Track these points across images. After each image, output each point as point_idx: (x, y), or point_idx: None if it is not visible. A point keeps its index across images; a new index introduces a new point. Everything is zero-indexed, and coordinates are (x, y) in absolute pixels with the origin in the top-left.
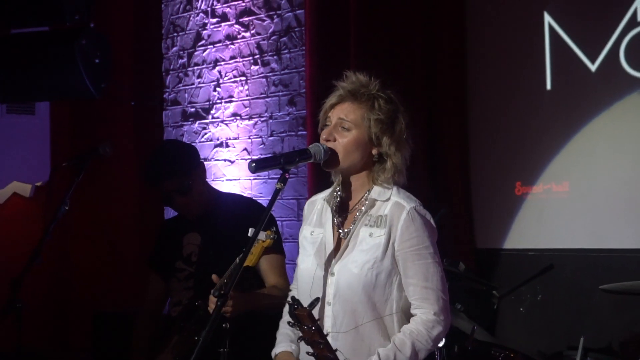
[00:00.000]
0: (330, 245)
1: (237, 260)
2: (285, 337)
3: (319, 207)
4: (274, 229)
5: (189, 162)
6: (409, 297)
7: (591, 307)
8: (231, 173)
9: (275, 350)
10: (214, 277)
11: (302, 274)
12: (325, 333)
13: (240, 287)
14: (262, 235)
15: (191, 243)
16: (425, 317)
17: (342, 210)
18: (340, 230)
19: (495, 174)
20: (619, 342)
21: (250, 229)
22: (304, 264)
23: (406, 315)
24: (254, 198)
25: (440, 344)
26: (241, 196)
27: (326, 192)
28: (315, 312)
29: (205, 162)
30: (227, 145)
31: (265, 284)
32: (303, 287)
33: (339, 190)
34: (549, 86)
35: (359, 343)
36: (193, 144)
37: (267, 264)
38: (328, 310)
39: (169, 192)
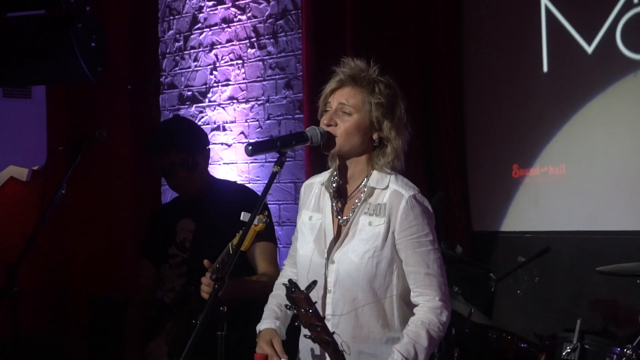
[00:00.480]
0: (329, 232)
1: (230, 244)
2: (271, 314)
3: (316, 191)
4: (266, 213)
5: (201, 140)
6: (411, 285)
7: (588, 289)
8: (228, 157)
9: (260, 326)
10: (205, 262)
11: (302, 261)
12: (326, 320)
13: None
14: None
15: (185, 229)
16: (432, 305)
17: (340, 196)
18: (340, 217)
19: (492, 156)
20: (615, 324)
21: (242, 213)
22: (304, 250)
23: (404, 300)
24: (248, 185)
25: None
26: (236, 183)
27: (323, 176)
28: (315, 298)
29: None
30: (224, 129)
31: (256, 271)
32: (302, 274)
33: (336, 175)
34: (545, 68)
35: (359, 329)
36: None
37: (258, 251)
38: (328, 297)
39: (174, 163)
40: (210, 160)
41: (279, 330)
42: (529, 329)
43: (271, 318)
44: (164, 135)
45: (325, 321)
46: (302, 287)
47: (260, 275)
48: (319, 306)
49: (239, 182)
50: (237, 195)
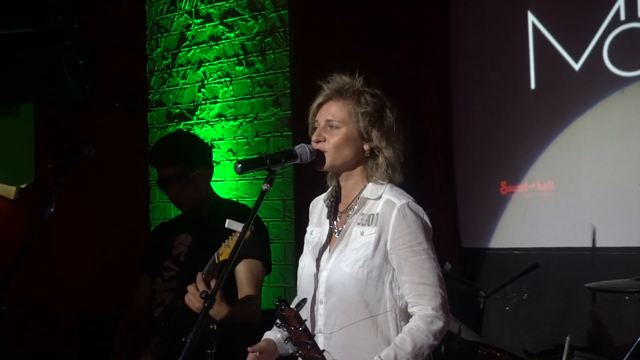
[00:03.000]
0: (325, 245)
1: (215, 254)
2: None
3: (320, 207)
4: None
5: (197, 156)
6: (406, 295)
7: (576, 305)
8: (216, 174)
9: (265, 335)
10: (199, 275)
11: (300, 273)
12: (318, 332)
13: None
14: (237, 226)
15: (182, 243)
16: (423, 313)
17: (338, 210)
18: (335, 230)
19: (480, 173)
20: (604, 340)
21: (227, 220)
22: (302, 262)
23: (403, 314)
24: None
25: None
26: (237, 202)
27: (327, 192)
28: (308, 312)
29: None
30: (212, 147)
31: (238, 292)
32: (300, 287)
33: (335, 191)
34: (533, 85)
35: (351, 342)
36: None
37: (243, 270)
38: (320, 309)
39: (168, 177)
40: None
41: (279, 343)
42: (518, 345)
43: (276, 329)
44: (160, 148)
45: (317, 335)
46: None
47: (246, 300)
48: (310, 319)
49: (241, 202)
50: (236, 214)
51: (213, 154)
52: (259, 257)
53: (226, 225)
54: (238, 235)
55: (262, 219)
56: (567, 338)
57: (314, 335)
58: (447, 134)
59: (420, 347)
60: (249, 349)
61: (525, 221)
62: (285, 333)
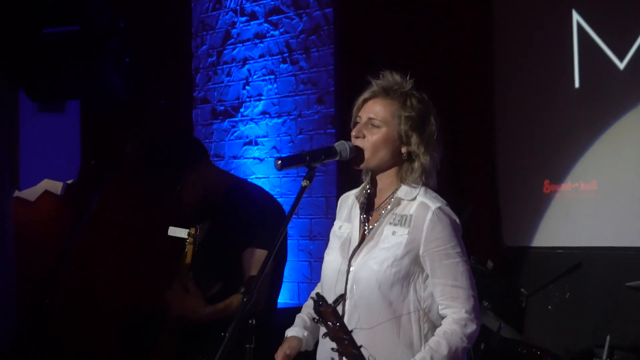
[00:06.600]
0: (354, 241)
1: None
2: (301, 322)
3: (349, 203)
4: (197, 226)
5: (179, 162)
6: (438, 297)
7: (619, 305)
8: (260, 171)
9: (288, 332)
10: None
11: (325, 267)
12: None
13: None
14: (183, 233)
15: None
16: (457, 316)
17: (369, 207)
18: (366, 227)
19: (523, 171)
20: None
21: (170, 228)
22: (328, 256)
23: (427, 316)
24: (280, 199)
25: None
26: (250, 184)
27: (358, 189)
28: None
29: (234, 160)
30: (257, 144)
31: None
32: (325, 281)
33: (368, 188)
34: (577, 84)
35: (372, 341)
36: (222, 142)
37: (247, 261)
38: (345, 305)
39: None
40: (242, 175)
41: (305, 340)
42: (559, 344)
43: (300, 326)
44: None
45: None
46: (325, 293)
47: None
48: None
49: (265, 191)
50: (245, 197)
51: (257, 151)
52: (260, 245)
53: (169, 233)
54: (190, 241)
55: (305, 217)
56: (607, 338)
57: (351, 331)
58: (490, 132)
59: (455, 350)
60: (281, 353)
61: (568, 220)
62: (309, 329)
